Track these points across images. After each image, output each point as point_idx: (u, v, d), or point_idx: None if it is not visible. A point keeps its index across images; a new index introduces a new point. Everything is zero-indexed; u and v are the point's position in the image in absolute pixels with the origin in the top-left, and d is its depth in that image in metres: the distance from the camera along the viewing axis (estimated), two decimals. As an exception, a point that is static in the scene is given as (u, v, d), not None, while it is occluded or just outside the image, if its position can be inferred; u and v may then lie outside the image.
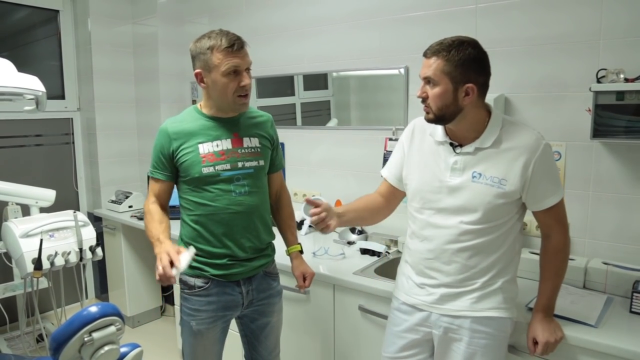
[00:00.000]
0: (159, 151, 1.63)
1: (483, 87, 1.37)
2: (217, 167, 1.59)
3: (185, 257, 1.44)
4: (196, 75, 1.57)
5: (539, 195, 1.36)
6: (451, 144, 1.42)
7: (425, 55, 1.36)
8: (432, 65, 1.33)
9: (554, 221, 1.41)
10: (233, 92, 1.55)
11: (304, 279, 1.81)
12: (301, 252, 1.85)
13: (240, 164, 1.62)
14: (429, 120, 1.40)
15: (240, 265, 1.64)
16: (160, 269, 1.40)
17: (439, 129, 1.45)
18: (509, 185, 1.34)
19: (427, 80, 1.35)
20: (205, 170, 1.58)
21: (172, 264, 1.40)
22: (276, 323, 1.80)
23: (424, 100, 1.37)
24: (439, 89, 1.33)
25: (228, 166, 1.60)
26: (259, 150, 1.67)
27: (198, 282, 1.63)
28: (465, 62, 1.31)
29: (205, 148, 1.59)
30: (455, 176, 1.40)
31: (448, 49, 1.31)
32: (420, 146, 1.51)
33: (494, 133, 1.37)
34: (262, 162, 1.68)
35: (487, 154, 1.37)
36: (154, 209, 1.64)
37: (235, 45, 1.51)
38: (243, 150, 1.64)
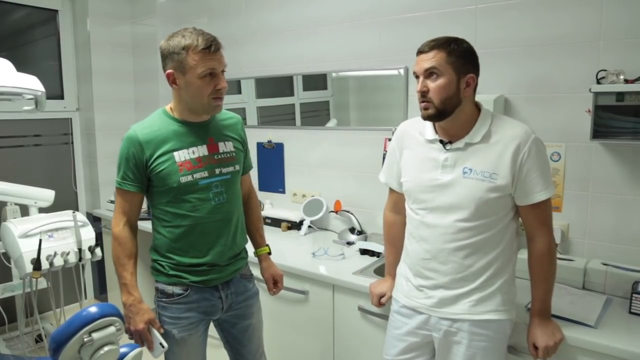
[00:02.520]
0: (129, 160, 1.52)
1: (476, 82, 1.38)
2: (195, 175, 1.53)
3: (159, 350, 1.54)
4: (168, 76, 1.49)
5: (527, 188, 1.35)
6: (441, 142, 1.42)
7: (423, 51, 1.35)
8: (434, 57, 1.32)
9: (539, 222, 1.39)
10: (209, 94, 1.48)
11: (275, 282, 1.81)
12: (269, 253, 1.84)
13: (217, 171, 1.58)
14: (429, 117, 1.38)
15: (218, 271, 1.61)
16: (134, 332, 1.54)
17: (428, 128, 1.45)
18: (500, 179, 1.34)
19: (429, 73, 1.33)
20: (184, 180, 1.51)
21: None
22: (257, 324, 1.77)
23: (424, 94, 1.35)
24: (443, 79, 1.32)
25: (206, 173, 1.55)
26: (234, 154, 1.63)
27: (177, 289, 1.59)
28: (465, 54, 1.34)
29: (182, 156, 1.52)
30: (447, 173, 1.39)
31: (447, 43, 1.33)
32: (411, 148, 1.50)
33: (484, 128, 1.37)
34: (237, 167, 1.64)
35: (477, 149, 1.37)
36: (124, 236, 1.59)
37: (213, 47, 1.44)
38: (219, 156, 1.59)
